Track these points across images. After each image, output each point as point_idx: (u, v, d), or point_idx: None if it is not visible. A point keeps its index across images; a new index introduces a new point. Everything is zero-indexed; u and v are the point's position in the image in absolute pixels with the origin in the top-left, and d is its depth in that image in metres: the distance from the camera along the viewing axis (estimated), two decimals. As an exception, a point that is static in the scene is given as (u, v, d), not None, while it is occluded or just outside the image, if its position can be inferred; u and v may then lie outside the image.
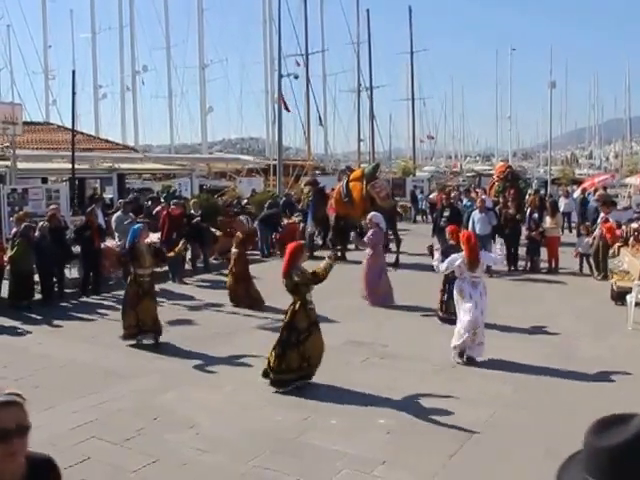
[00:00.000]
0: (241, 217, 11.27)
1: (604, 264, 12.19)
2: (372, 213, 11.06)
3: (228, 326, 8.87)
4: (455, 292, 7.39)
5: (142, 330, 7.90)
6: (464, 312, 7.15)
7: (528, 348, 7.64)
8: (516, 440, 5.14)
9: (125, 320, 7.97)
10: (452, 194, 17.39)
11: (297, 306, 6.31)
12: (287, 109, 26.01)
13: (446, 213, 13.88)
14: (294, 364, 6.24)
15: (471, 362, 7.06)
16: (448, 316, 8.57)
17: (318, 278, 6.34)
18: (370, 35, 43.88)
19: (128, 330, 7.91)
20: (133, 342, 7.92)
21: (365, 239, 10.41)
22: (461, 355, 7.16)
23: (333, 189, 15.39)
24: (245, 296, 10.03)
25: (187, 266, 13.28)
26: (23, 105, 19.93)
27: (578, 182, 32.06)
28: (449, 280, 8.36)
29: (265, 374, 6.37)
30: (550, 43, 70.80)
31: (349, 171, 15.70)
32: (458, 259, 7.28)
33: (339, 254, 13.40)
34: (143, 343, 7.91)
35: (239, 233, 10.52)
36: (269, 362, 6.34)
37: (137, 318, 7.86)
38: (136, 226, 8.52)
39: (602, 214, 13.04)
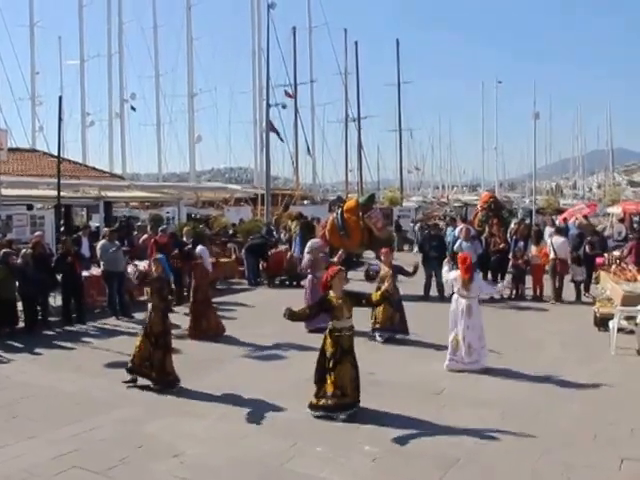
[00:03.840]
0: (202, 247, 10.87)
1: (558, 289, 13.04)
2: (312, 240, 11.59)
3: (214, 354, 8.81)
4: (471, 311, 7.90)
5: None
6: (456, 327, 7.88)
7: (514, 374, 7.67)
8: (501, 466, 5.13)
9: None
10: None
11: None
12: (280, 139, 26.09)
13: (434, 243, 13.96)
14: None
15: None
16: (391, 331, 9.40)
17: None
18: (358, 66, 44.78)
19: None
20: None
21: (304, 263, 10.92)
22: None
23: (325, 220, 15.30)
24: (192, 327, 9.86)
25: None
26: (9, 131, 19.98)
27: (562, 212, 32.50)
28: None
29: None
30: (534, 77, 72.65)
31: (340, 202, 15.65)
32: (452, 276, 8.13)
33: None
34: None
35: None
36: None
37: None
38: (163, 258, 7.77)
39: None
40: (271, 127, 24.45)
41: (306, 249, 11.09)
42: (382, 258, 10.04)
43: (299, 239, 15.58)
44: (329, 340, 6.32)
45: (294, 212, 18.14)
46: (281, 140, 26.49)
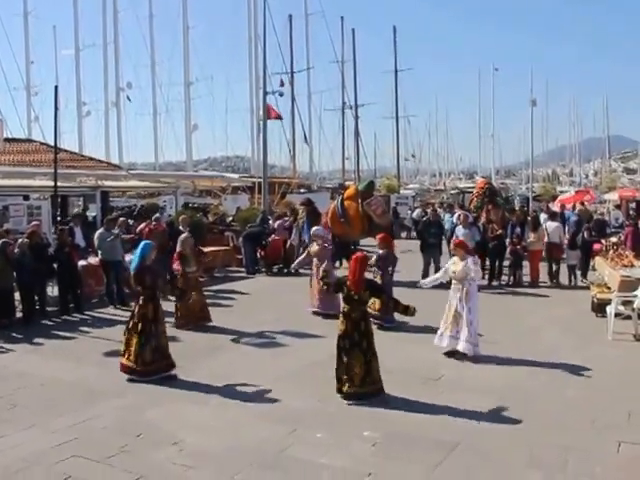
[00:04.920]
0: (188, 235, 10.65)
1: (555, 272, 13.55)
2: (314, 228, 11.66)
3: (212, 342, 8.82)
4: (468, 296, 7.87)
5: (168, 364, 7.10)
6: (475, 312, 7.84)
7: (511, 360, 7.70)
8: (500, 450, 5.16)
9: (141, 356, 6.97)
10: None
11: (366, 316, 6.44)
12: (279, 117, 25.66)
13: (432, 229, 13.95)
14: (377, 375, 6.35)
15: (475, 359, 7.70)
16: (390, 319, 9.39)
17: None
18: (355, 54, 44.57)
19: (148, 367, 6.98)
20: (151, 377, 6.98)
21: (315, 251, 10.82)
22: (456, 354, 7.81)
23: (327, 208, 15.34)
24: (202, 311, 9.82)
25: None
26: (4, 121, 19.81)
27: (556, 198, 32.62)
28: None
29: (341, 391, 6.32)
30: (531, 63, 72.28)
31: (342, 189, 15.62)
32: (477, 260, 8.11)
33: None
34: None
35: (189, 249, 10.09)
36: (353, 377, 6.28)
37: (159, 348, 7.03)
38: (146, 243, 7.58)
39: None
40: (274, 114, 24.13)
41: (313, 236, 11.13)
42: (378, 244, 10.14)
43: (306, 226, 15.67)
44: (370, 325, 6.41)
45: (304, 199, 18.09)
46: (279, 118, 25.98)
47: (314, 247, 10.83)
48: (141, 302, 7.14)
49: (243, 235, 16.28)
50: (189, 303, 9.76)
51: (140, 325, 7.03)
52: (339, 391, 6.37)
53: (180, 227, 13.47)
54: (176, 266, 10.14)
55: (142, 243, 7.67)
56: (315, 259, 10.73)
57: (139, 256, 7.33)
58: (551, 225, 13.95)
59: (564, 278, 13.54)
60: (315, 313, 10.40)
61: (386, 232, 14.66)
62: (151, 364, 7.00)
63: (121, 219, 13.28)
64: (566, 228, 16.00)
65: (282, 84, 36.33)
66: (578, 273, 13.63)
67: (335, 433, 5.50)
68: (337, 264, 15.03)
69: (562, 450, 5.10)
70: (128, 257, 12.40)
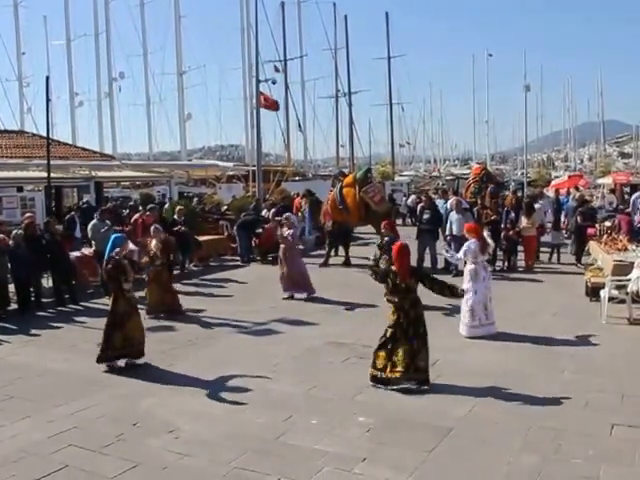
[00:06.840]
0: (156, 225, 10.57)
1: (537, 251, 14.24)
2: (287, 214, 12.07)
3: (207, 331, 8.84)
4: (468, 276, 8.25)
5: (125, 353, 7.19)
6: (479, 293, 8.12)
7: (506, 345, 7.75)
8: (494, 434, 5.20)
9: (108, 342, 7.09)
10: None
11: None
12: (276, 107, 25.30)
13: (426, 215, 13.94)
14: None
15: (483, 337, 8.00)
16: None
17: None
18: (348, 41, 44.30)
19: (108, 352, 7.11)
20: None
21: (286, 235, 11.01)
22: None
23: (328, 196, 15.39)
24: (159, 304, 9.78)
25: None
26: (-4, 113, 19.65)
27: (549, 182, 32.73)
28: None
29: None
30: (524, 46, 71.88)
31: (342, 176, 15.63)
32: (473, 246, 8.28)
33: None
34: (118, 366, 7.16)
35: (155, 241, 9.94)
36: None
37: (124, 338, 7.12)
38: (116, 235, 7.65)
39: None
40: (270, 103, 23.91)
41: (285, 218, 11.46)
42: (383, 230, 10.18)
43: (308, 216, 15.72)
44: (420, 312, 6.41)
45: (305, 190, 18.13)
46: (275, 108, 25.55)
47: (283, 231, 11.08)
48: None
49: (237, 224, 16.27)
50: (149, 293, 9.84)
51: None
52: (374, 379, 6.31)
53: (175, 217, 13.50)
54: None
55: (112, 237, 7.50)
56: (282, 244, 11.04)
57: (109, 251, 7.25)
58: (535, 207, 14.44)
59: (545, 256, 14.42)
60: (289, 298, 10.86)
61: (387, 218, 14.75)
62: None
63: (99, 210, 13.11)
64: (562, 213, 16.14)
65: (277, 70, 36.14)
66: (571, 256, 13.97)
67: (330, 419, 5.53)
68: (333, 252, 15.09)
69: (555, 433, 5.15)
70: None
